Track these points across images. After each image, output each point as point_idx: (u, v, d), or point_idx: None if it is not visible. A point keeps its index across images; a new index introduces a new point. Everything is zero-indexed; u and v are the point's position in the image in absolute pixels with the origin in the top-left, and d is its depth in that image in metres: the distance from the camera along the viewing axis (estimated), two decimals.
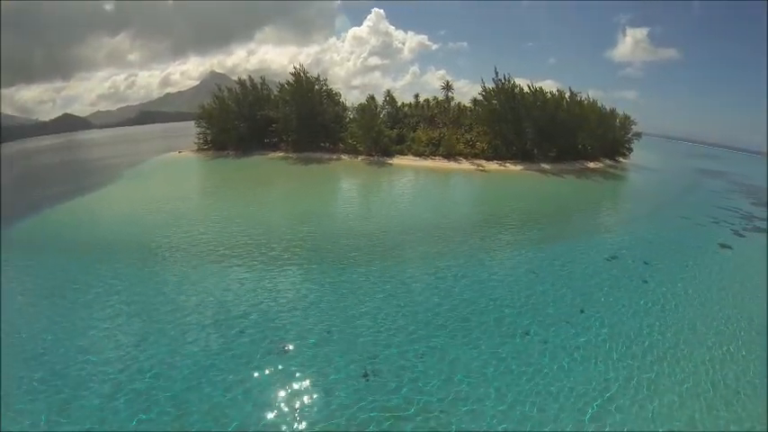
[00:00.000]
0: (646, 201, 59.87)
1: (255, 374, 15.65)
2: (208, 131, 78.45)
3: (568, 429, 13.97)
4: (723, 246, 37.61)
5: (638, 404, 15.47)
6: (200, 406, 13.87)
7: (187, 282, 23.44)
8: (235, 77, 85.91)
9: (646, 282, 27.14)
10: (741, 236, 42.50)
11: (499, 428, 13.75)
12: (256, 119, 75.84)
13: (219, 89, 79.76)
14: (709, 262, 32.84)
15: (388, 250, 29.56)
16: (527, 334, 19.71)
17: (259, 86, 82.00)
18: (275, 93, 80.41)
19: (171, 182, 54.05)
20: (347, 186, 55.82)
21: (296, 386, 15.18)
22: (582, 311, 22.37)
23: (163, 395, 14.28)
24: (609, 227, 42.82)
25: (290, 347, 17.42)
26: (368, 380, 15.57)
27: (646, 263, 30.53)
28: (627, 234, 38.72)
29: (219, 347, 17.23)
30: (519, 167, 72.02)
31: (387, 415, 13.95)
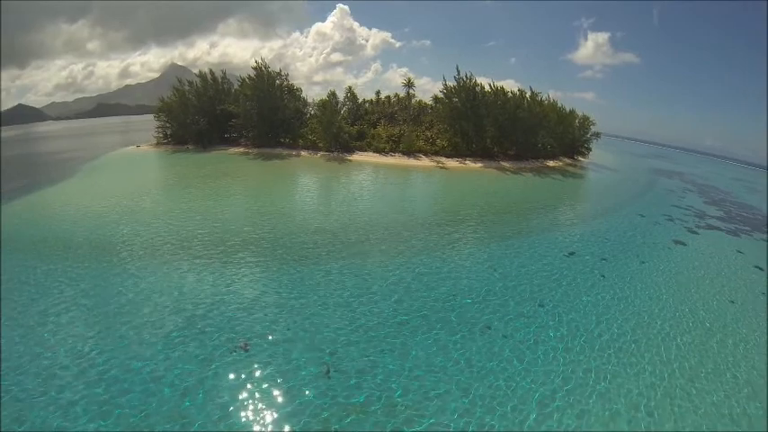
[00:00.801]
0: (604, 199, 61.38)
1: (214, 372, 15.42)
2: (168, 125, 76.46)
3: (531, 419, 14.41)
4: (677, 242, 39.02)
5: (597, 393, 16.17)
6: (159, 405, 13.65)
7: (145, 278, 22.94)
8: (196, 70, 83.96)
9: (603, 277, 28.03)
10: (695, 233, 44.17)
11: (461, 422, 14.03)
12: (216, 113, 74.45)
13: (180, 82, 78.07)
14: (662, 258, 34.08)
15: (347, 246, 29.53)
16: (487, 328, 20.15)
17: (220, 80, 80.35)
18: (236, 87, 78.93)
19: (129, 177, 52.43)
20: (306, 182, 55.29)
21: (256, 384, 15.06)
22: (541, 306, 22.94)
23: (120, 394, 14.01)
24: (568, 224, 43.68)
25: (250, 345, 17.20)
26: (330, 377, 15.56)
27: (603, 259, 31.45)
28: (585, 231, 39.69)
29: (178, 345, 16.91)
30: (478, 165, 72.98)
31: (346, 408, 14.12)
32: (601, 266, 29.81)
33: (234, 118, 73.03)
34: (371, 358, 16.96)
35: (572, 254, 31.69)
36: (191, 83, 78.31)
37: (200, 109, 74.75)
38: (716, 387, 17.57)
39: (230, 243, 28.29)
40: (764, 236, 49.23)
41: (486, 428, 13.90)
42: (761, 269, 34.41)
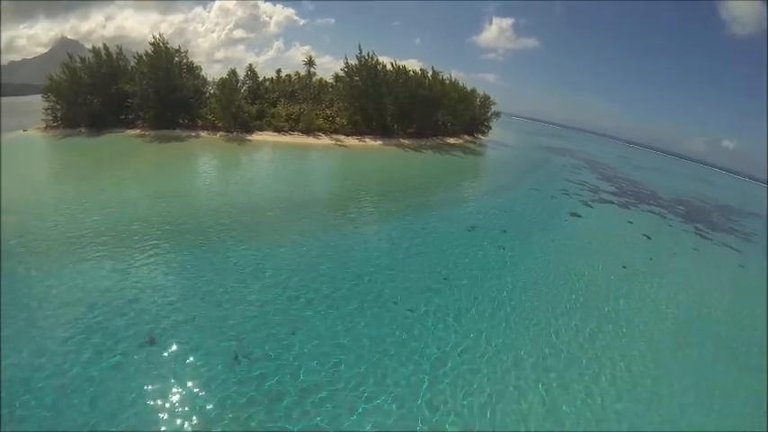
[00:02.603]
0: (502, 174, 65.18)
1: (122, 368, 15.31)
2: (57, 107, 71.23)
3: (425, 385, 16.03)
4: (573, 214, 42.65)
5: (491, 354, 18.45)
6: (64, 407, 13.45)
7: (39, 276, 21.36)
8: (90, 45, 78.58)
9: (502, 248, 30.42)
10: (589, 206, 48.27)
11: (357, 391, 15.33)
12: (111, 93, 70.47)
13: (71, 58, 73.05)
14: (559, 229, 37.82)
15: (247, 227, 29.94)
16: (392, 303, 21.56)
17: (115, 57, 75.18)
18: (133, 64, 74.91)
19: (15, 167, 48.68)
20: (205, 164, 54.33)
21: (165, 376, 15.18)
22: (445, 279, 24.72)
23: (19, 399, 13.61)
24: (468, 198, 46.22)
25: (156, 336, 17.13)
26: (239, 362, 16.11)
27: (503, 230, 33.90)
28: (484, 205, 42.49)
29: (82, 343, 16.39)
30: (378, 142, 75.54)
31: (254, 390, 14.84)
32: (501, 239, 32.28)
33: (130, 98, 69.78)
34: (276, 339, 17.74)
35: (473, 228, 33.87)
36: (83, 59, 73.07)
37: (93, 88, 69.95)
38: (608, 342, 20.93)
39: (127, 231, 27.38)
40: (650, 208, 54.57)
41: (389, 395, 15.29)
42: (648, 237, 38.47)
